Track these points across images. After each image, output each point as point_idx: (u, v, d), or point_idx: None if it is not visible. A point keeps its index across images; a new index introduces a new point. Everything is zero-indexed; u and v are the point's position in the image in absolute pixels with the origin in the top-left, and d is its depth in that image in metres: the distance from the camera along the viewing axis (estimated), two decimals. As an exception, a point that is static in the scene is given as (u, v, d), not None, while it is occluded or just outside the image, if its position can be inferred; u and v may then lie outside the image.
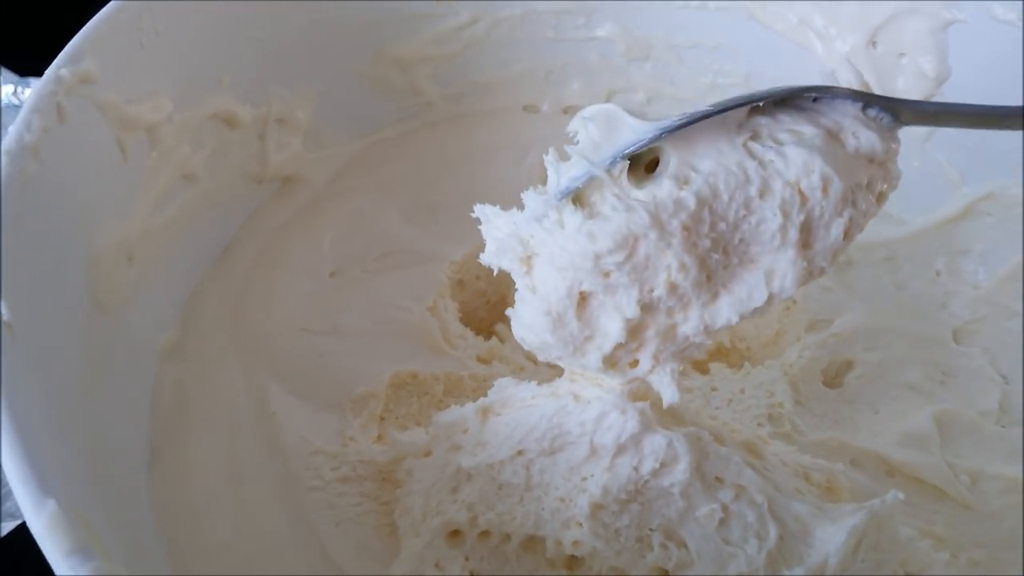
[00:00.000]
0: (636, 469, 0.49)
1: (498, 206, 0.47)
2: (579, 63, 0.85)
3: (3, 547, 0.63)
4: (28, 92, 0.79)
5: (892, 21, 0.67)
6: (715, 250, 0.43)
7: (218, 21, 0.65)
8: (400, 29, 0.78)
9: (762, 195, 0.42)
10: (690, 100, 0.84)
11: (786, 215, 0.42)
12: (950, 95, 0.64)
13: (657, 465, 0.49)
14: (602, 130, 0.43)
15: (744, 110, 0.43)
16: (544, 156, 0.45)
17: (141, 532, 0.51)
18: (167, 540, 0.52)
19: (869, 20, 0.68)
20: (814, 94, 0.44)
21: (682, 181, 0.42)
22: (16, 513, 0.63)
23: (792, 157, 0.42)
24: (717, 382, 0.66)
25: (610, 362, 0.46)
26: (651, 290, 0.43)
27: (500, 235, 0.45)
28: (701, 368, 0.68)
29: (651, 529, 0.50)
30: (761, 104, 0.44)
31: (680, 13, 0.80)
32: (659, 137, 0.42)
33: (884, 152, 0.44)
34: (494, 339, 0.69)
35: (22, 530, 0.62)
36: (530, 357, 0.68)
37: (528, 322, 0.46)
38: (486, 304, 0.75)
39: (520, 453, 0.51)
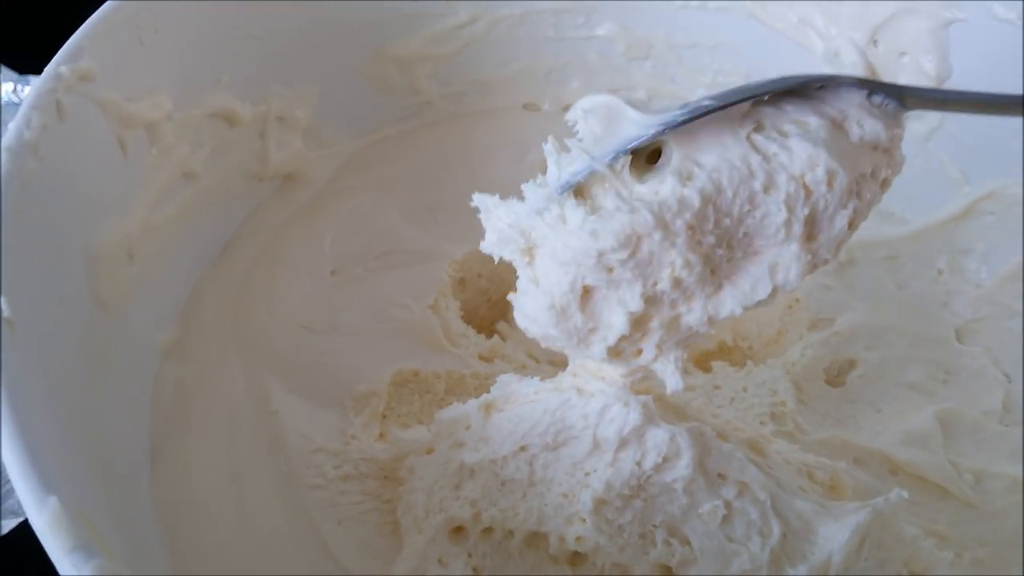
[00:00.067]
0: (639, 464, 0.49)
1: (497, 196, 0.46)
2: (579, 62, 0.85)
3: (5, 545, 0.62)
4: (28, 90, 0.79)
5: (893, 20, 0.67)
6: (719, 245, 0.43)
7: (218, 19, 0.65)
8: (400, 28, 0.78)
9: (766, 190, 0.42)
10: (690, 99, 0.84)
11: (791, 210, 0.42)
12: (951, 93, 0.64)
13: (660, 460, 0.49)
14: (603, 123, 0.43)
15: (748, 100, 0.43)
16: (543, 145, 0.44)
17: (142, 530, 0.51)
18: (168, 538, 0.52)
19: (870, 19, 0.68)
20: (819, 83, 0.44)
21: (685, 177, 0.42)
22: (18, 510, 0.63)
23: (797, 151, 0.42)
24: (720, 380, 0.66)
25: (615, 352, 0.46)
26: (655, 284, 0.43)
27: (501, 225, 0.45)
28: (704, 366, 0.68)
29: (654, 525, 0.50)
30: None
31: (680, 12, 0.80)
32: (662, 133, 0.42)
33: (889, 139, 0.43)
34: (496, 337, 0.69)
35: (24, 527, 0.61)
36: (532, 355, 0.68)
37: (532, 314, 0.46)
38: (488, 302, 0.74)
39: (523, 449, 0.51)
